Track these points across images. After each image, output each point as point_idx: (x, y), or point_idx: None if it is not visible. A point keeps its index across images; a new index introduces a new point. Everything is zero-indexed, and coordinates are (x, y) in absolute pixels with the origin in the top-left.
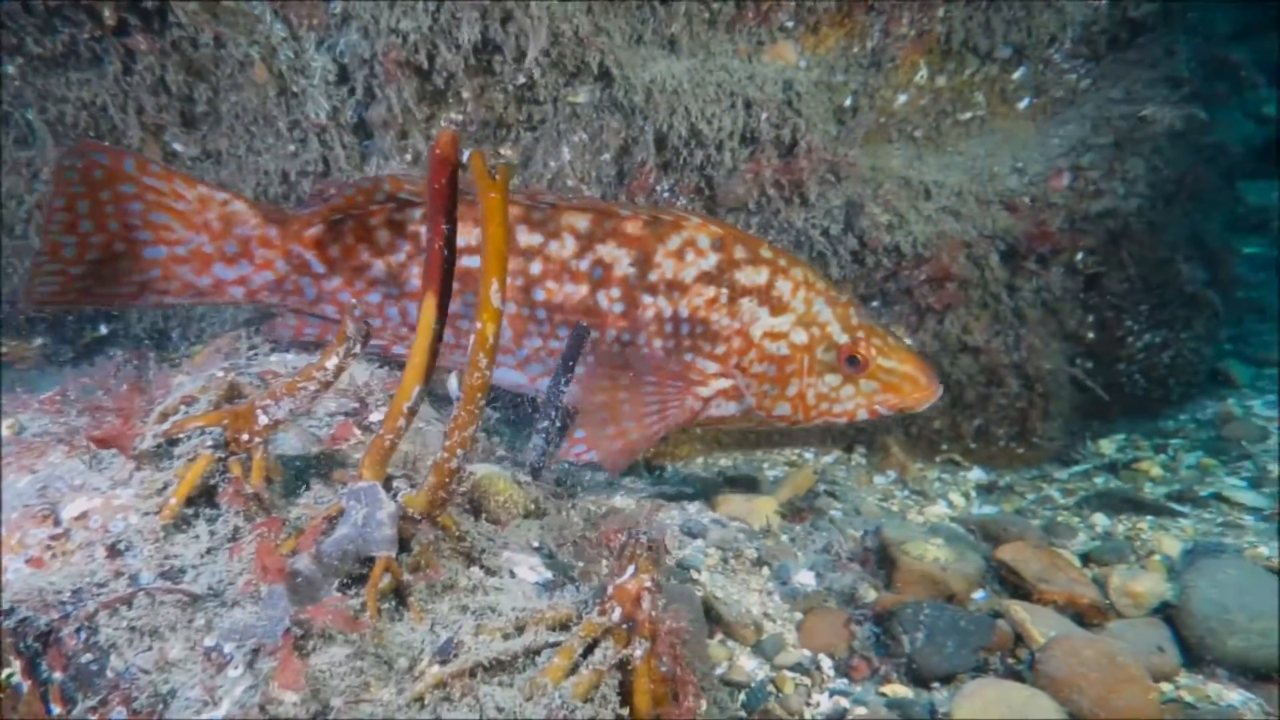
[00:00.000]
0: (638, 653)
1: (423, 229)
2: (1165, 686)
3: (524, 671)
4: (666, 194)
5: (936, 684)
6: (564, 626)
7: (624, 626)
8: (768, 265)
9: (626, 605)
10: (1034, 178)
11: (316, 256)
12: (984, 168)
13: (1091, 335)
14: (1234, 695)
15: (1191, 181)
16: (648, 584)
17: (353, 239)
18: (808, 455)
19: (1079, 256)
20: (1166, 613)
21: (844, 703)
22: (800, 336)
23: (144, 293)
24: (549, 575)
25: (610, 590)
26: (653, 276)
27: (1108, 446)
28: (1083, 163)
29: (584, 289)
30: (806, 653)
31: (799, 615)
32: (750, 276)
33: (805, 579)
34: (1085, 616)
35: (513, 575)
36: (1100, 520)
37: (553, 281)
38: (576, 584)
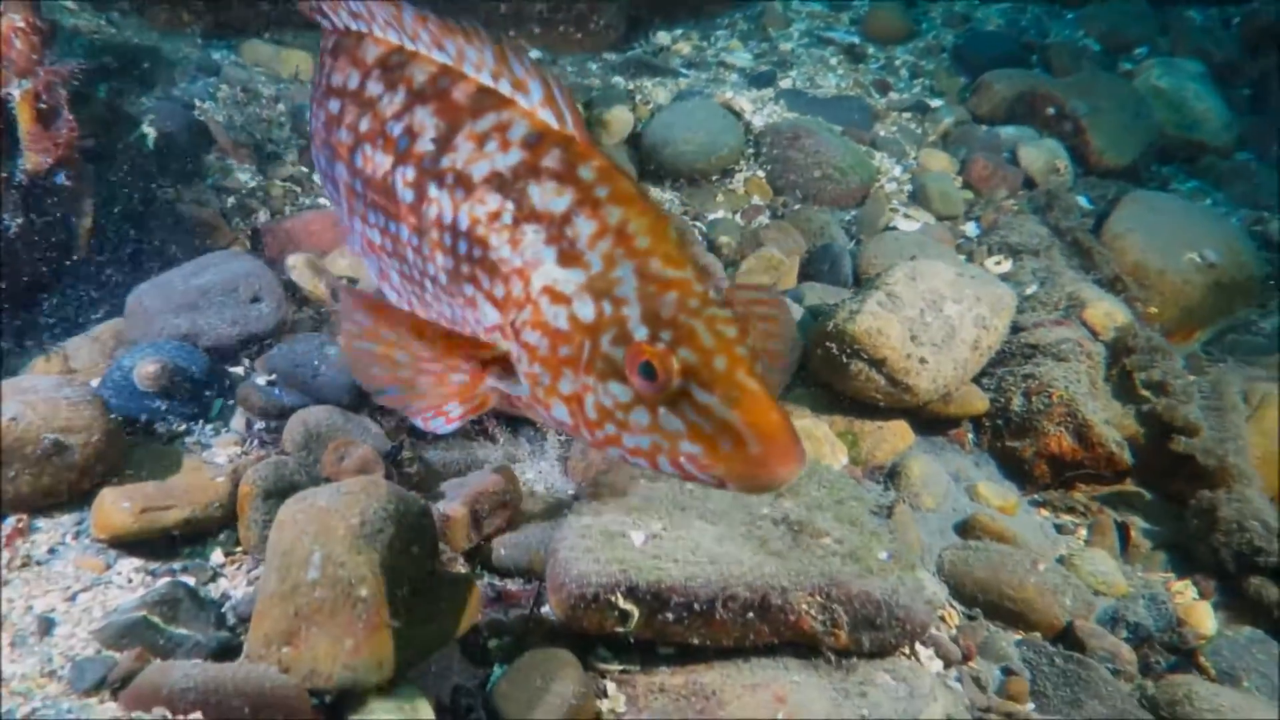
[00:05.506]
0: (15, 91)
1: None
2: None
3: None
4: None
5: None
6: None
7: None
8: (575, 187)
9: None
10: None
11: None
12: None
13: None
14: (667, 195)
15: None
16: (19, 24)
17: None
18: None
19: None
20: (637, 139)
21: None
22: (586, 310)
23: None
24: None
25: None
26: (445, 162)
27: (665, 38)
28: None
29: (388, 162)
30: (303, 169)
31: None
32: (546, 197)
33: None
34: None
35: None
36: (617, 81)
37: (369, 145)
38: None
